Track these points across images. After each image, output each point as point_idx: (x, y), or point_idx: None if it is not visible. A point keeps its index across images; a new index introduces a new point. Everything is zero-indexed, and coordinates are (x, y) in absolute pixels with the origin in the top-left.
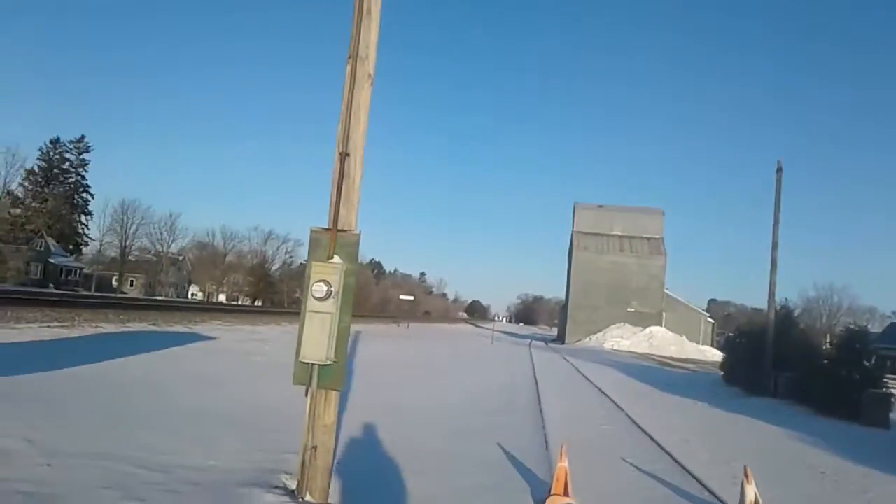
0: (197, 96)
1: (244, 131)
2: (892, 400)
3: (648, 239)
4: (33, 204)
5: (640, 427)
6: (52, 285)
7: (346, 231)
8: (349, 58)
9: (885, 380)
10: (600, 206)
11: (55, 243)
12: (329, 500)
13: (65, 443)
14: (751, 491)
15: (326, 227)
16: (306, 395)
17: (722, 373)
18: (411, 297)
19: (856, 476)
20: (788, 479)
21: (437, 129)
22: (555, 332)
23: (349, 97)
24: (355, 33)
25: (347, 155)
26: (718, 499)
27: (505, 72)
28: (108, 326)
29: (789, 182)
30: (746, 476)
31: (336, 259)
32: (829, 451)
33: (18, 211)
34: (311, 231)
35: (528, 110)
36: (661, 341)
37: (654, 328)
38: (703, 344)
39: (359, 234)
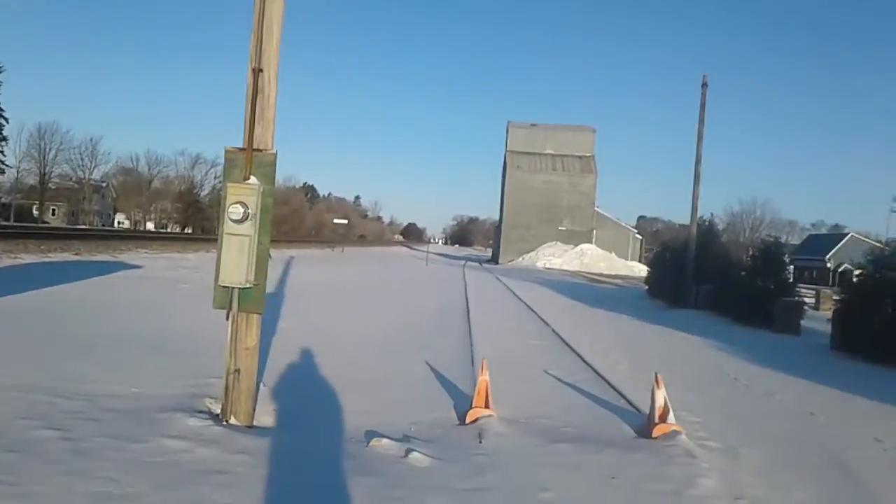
0: (111, 10)
1: (165, 49)
2: (804, 308)
3: (580, 157)
4: None
5: (564, 341)
6: None
7: (261, 150)
8: None
9: (798, 289)
10: (533, 125)
11: None
12: (255, 423)
13: None
14: (660, 396)
15: (241, 147)
16: (227, 318)
17: (647, 287)
18: (345, 221)
19: (766, 380)
20: (702, 385)
21: (367, 47)
22: (490, 252)
23: (260, 9)
24: None
25: (261, 70)
26: (632, 405)
27: None
28: (27, 257)
29: (717, 97)
30: (657, 382)
31: (252, 180)
32: (742, 357)
33: None
34: (226, 151)
35: (460, 28)
36: (592, 259)
37: (584, 246)
38: (631, 260)
39: (275, 154)
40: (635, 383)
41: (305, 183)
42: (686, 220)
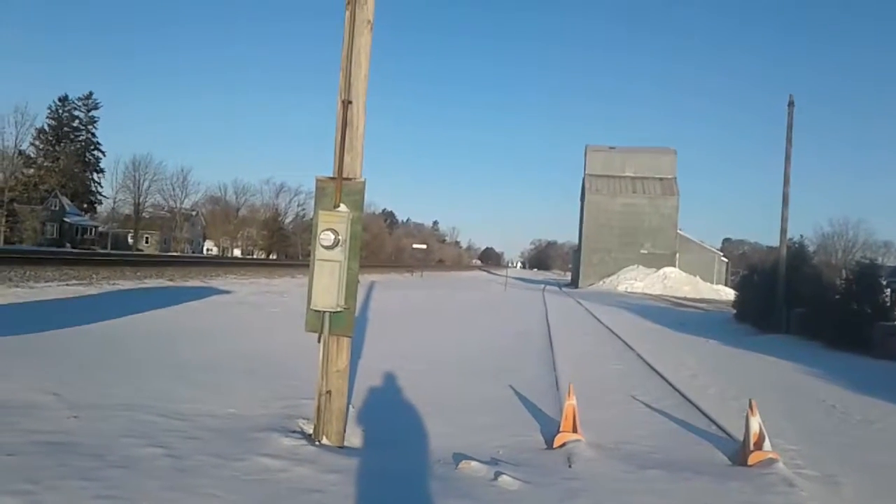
0: (201, 50)
1: (252, 84)
2: None
3: (661, 179)
4: (45, 163)
5: (650, 365)
6: (68, 244)
7: (350, 179)
8: (347, 3)
9: None
10: (611, 148)
11: (69, 202)
12: (345, 443)
13: (89, 395)
14: (755, 423)
15: (332, 175)
16: (319, 341)
17: (734, 311)
18: (424, 246)
19: (864, 407)
20: (797, 412)
21: (444, 76)
22: (568, 276)
23: (349, 43)
24: None
25: (350, 102)
26: (725, 431)
27: (510, 13)
28: (125, 283)
29: (803, 117)
30: (751, 408)
31: (342, 207)
32: (838, 384)
33: (31, 171)
34: (317, 180)
35: (533, 53)
36: (675, 282)
37: (667, 269)
38: (717, 283)
39: (363, 182)
40: (726, 409)
41: (384, 209)
42: (774, 242)
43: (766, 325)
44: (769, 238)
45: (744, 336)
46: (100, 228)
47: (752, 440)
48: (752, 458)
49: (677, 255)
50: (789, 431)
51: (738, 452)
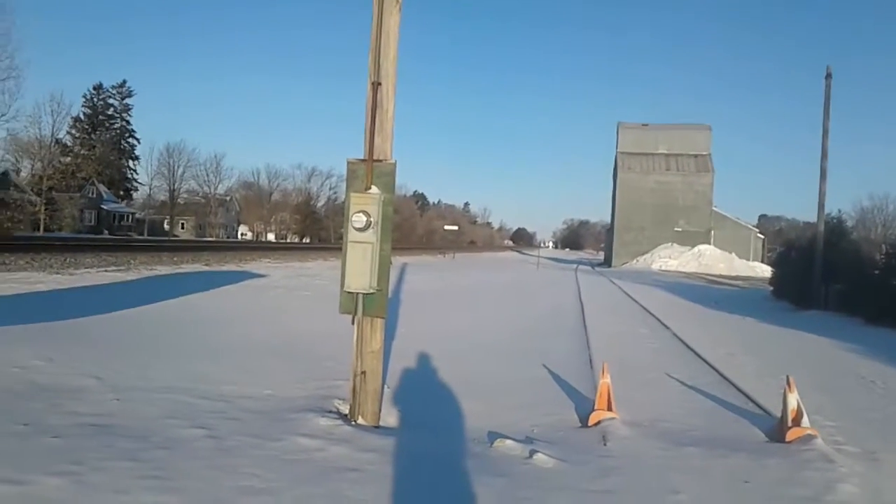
0: (232, 34)
1: (282, 68)
2: None
3: (695, 156)
4: (82, 152)
5: (685, 343)
6: (105, 231)
7: (381, 161)
8: None
9: None
10: (644, 125)
11: (106, 189)
12: (380, 423)
13: (131, 378)
14: (793, 399)
15: (362, 158)
16: (353, 323)
17: (771, 288)
18: (456, 227)
19: None
20: (836, 388)
21: (473, 56)
22: (601, 256)
23: (378, 24)
24: None
25: (379, 84)
26: (762, 408)
27: None
28: (162, 268)
29: (840, 90)
30: (789, 385)
31: (373, 189)
32: (878, 359)
33: (68, 159)
34: (348, 163)
35: (564, 33)
36: (710, 259)
37: (702, 246)
38: (753, 260)
39: (394, 163)
40: (764, 386)
41: (416, 191)
42: (812, 218)
43: (803, 301)
44: (807, 213)
45: (781, 313)
46: (136, 215)
47: (790, 416)
48: (791, 435)
49: (712, 233)
50: (828, 408)
51: (776, 429)
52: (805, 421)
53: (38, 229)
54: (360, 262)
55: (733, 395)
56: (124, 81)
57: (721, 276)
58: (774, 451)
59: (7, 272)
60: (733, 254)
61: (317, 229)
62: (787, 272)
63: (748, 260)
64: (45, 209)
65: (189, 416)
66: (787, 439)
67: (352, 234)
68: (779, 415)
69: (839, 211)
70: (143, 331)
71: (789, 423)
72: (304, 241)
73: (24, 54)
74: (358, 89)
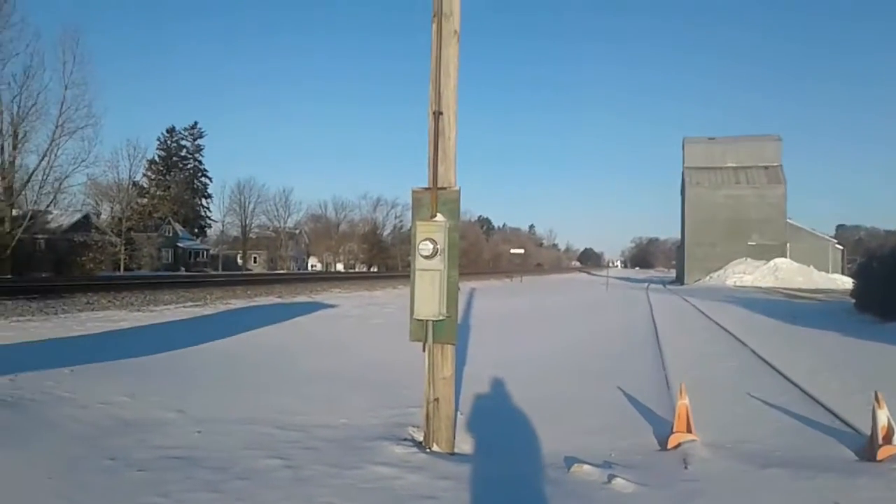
0: (294, 71)
1: (344, 101)
2: None
3: (765, 168)
4: (157, 192)
5: (765, 361)
6: (182, 268)
7: (445, 188)
8: (434, 16)
9: None
10: (711, 139)
11: (181, 228)
12: (455, 450)
13: (211, 411)
14: (883, 416)
15: (427, 186)
16: (423, 350)
17: (853, 300)
18: (522, 251)
19: None
20: None
21: (532, 76)
22: (673, 273)
23: (437, 55)
24: None
25: (440, 113)
26: (850, 426)
27: (597, 11)
28: (237, 302)
29: None
30: (878, 401)
31: (439, 217)
32: None
33: (145, 200)
34: (413, 192)
35: (624, 51)
36: (787, 273)
37: (778, 260)
38: (832, 272)
39: (458, 190)
40: (851, 404)
41: (480, 216)
42: (892, 226)
43: (889, 313)
44: (887, 222)
45: (865, 326)
46: (211, 251)
47: (881, 434)
48: (882, 453)
49: (788, 245)
50: None
51: (866, 447)
52: None
53: (119, 269)
54: (428, 290)
55: (819, 414)
56: (195, 123)
57: (799, 289)
58: (865, 470)
59: (91, 311)
60: (811, 266)
61: (384, 258)
62: (870, 283)
63: (827, 272)
64: (125, 249)
65: (267, 447)
66: (879, 458)
67: (419, 262)
68: (868, 432)
69: None
70: (220, 364)
71: (880, 441)
72: (371, 269)
73: (102, 102)
74: (422, 117)
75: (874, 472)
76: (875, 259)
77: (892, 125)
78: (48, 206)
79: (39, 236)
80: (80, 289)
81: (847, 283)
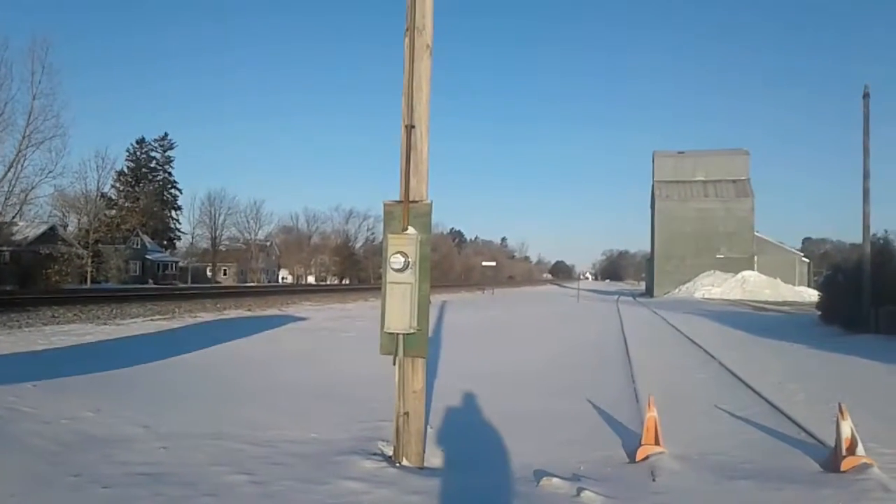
0: (266, 82)
1: (317, 113)
2: None
3: (734, 181)
4: (126, 204)
5: (733, 373)
6: (150, 280)
7: (417, 202)
8: (406, 30)
9: None
10: (680, 153)
11: (150, 240)
12: (425, 464)
13: (176, 426)
14: (847, 427)
15: (399, 199)
16: (394, 363)
17: (819, 312)
18: (493, 263)
19: None
20: (892, 415)
21: (503, 90)
22: (643, 286)
23: (409, 69)
24: (410, 5)
25: (413, 127)
26: (815, 438)
27: (567, 24)
28: (206, 315)
29: (879, 108)
30: (841, 412)
31: (410, 230)
32: None
33: (113, 212)
34: (385, 205)
35: (594, 63)
36: (755, 286)
37: (745, 273)
38: (799, 285)
39: (430, 204)
40: (816, 415)
41: (452, 228)
42: (857, 239)
43: (853, 325)
44: (852, 235)
45: (830, 338)
46: (180, 263)
47: (844, 445)
48: (846, 464)
49: (755, 258)
50: (884, 435)
51: (830, 458)
52: (860, 449)
53: (86, 281)
54: (399, 303)
55: (785, 425)
56: (166, 134)
57: (767, 302)
58: (829, 481)
59: (56, 325)
60: (778, 279)
61: (356, 270)
62: (835, 296)
63: (794, 285)
64: (92, 261)
65: (235, 462)
66: (842, 469)
67: (391, 276)
68: (832, 444)
69: (885, 231)
70: (188, 378)
71: (844, 452)
72: (343, 282)
73: (70, 112)
74: (394, 129)
75: (838, 483)
76: (840, 272)
77: (857, 138)
78: (13, 217)
79: (4, 248)
80: (45, 302)
81: (813, 295)
